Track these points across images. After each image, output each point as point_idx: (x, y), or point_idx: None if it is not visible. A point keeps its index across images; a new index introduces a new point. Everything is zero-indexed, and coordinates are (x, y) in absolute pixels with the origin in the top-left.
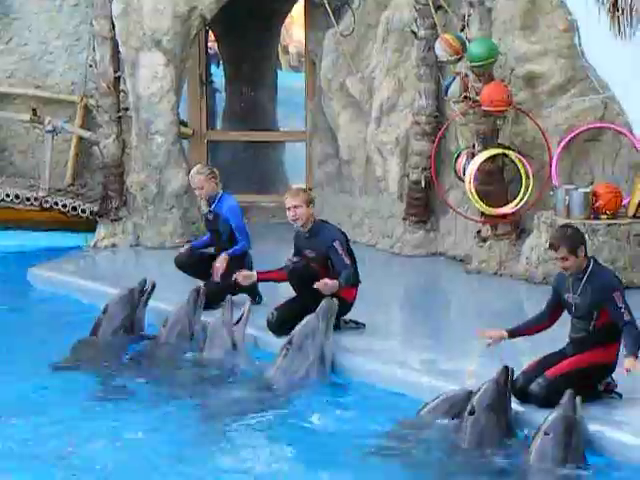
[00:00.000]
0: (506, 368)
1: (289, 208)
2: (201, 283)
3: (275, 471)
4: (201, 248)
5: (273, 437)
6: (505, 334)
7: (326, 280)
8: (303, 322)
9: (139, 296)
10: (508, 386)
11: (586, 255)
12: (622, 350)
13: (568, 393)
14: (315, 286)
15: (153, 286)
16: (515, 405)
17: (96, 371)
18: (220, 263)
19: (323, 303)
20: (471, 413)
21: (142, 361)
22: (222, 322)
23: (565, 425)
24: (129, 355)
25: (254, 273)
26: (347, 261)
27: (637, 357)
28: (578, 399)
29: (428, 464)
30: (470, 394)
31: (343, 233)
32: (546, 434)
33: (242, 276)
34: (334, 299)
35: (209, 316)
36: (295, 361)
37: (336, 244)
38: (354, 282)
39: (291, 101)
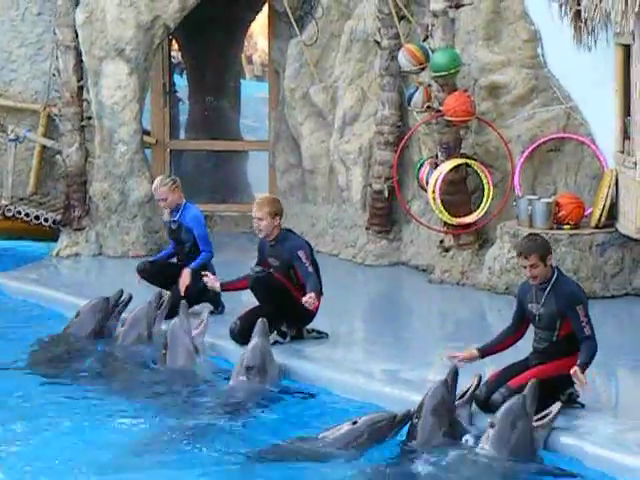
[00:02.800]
0: (455, 368)
1: (254, 219)
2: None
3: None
4: (164, 259)
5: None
6: (476, 353)
7: (307, 296)
8: (251, 346)
9: (114, 306)
10: (468, 392)
11: (551, 265)
12: None
13: (530, 384)
14: (305, 304)
15: (130, 298)
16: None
17: (55, 373)
18: (184, 278)
19: (258, 324)
20: (418, 415)
21: (102, 366)
22: (181, 328)
23: (511, 418)
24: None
25: (218, 285)
26: (310, 269)
27: (584, 369)
28: (556, 406)
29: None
30: (394, 417)
31: (308, 243)
32: (492, 426)
33: (209, 279)
34: (264, 319)
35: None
36: (254, 381)
37: (300, 253)
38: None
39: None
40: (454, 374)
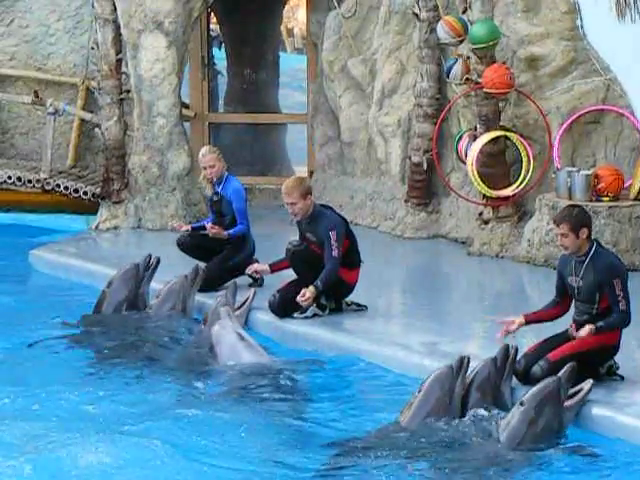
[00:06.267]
0: (506, 347)
1: (287, 204)
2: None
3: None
4: (201, 229)
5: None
6: (522, 320)
7: (302, 291)
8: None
9: (144, 271)
10: (507, 365)
11: (589, 238)
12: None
13: (568, 366)
14: (298, 300)
15: (157, 261)
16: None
17: (94, 346)
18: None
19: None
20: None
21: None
22: (224, 306)
23: (541, 400)
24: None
25: (266, 267)
26: (334, 253)
27: (595, 331)
28: (588, 384)
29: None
30: (451, 369)
31: (343, 218)
32: (521, 404)
33: (255, 269)
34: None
35: (210, 298)
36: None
37: (332, 233)
38: (357, 264)
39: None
40: (505, 352)
